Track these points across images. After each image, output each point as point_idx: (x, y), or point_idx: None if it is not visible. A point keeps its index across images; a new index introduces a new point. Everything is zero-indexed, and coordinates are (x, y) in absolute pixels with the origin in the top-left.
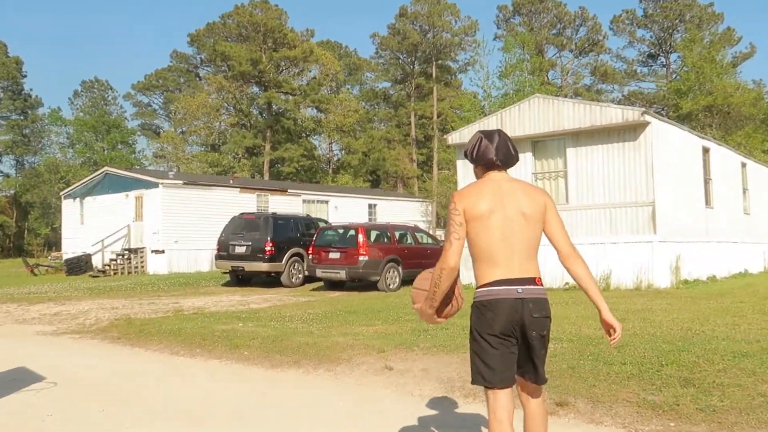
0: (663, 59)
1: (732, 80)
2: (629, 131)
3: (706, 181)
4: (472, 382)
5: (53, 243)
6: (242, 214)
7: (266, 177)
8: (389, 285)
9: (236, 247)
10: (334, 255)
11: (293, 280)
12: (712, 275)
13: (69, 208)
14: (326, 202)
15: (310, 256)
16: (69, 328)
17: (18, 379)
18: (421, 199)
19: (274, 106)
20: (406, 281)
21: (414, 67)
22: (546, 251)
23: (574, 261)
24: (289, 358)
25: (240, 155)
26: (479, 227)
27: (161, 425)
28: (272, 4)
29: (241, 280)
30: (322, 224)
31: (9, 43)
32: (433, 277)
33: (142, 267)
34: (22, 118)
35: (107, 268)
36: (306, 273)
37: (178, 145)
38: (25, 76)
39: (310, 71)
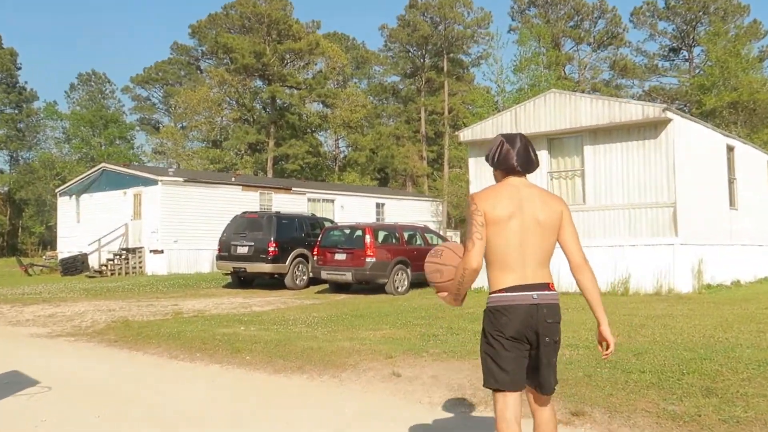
0: (686, 53)
1: (758, 75)
2: (650, 128)
3: (731, 181)
4: (485, 385)
5: (48, 242)
6: (244, 213)
7: (270, 174)
8: (397, 288)
9: (238, 248)
10: (340, 256)
11: (297, 282)
12: (737, 280)
13: (65, 206)
14: (332, 201)
15: (315, 257)
16: (64, 330)
17: (11, 383)
18: (431, 199)
19: (278, 101)
20: (415, 284)
21: (424, 61)
22: (559, 258)
23: (584, 272)
24: (293, 363)
25: (242, 152)
26: (496, 231)
27: None
28: None
29: (243, 281)
30: (327, 224)
31: (3, 34)
32: (456, 275)
33: (141, 267)
34: (16, 112)
35: (104, 268)
36: (311, 275)
37: (178, 140)
38: (20, 69)
39: (315, 64)
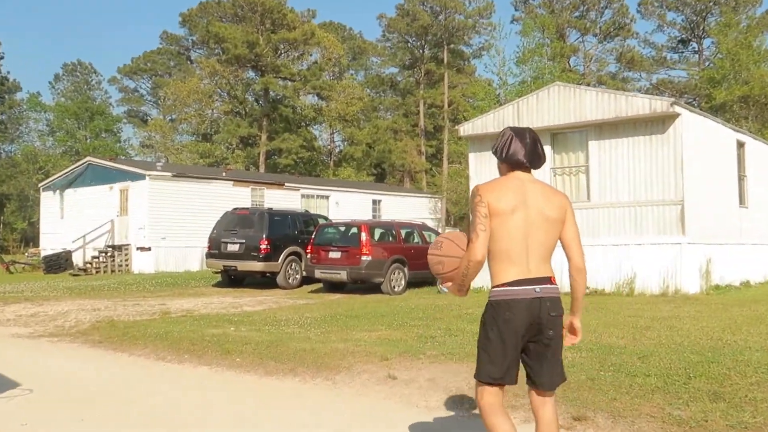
0: (695, 45)
1: None
2: (657, 123)
3: (741, 178)
4: (476, 376)
5: (31, 238)
6: (235, 209)
7: (262, 169)
8: (394, 287)
9: (229, 245)
10: (335, 254)
11: (290, 281)
12: (746, 280)
13: (48, 201)
14: (327, 197)
15: (309, 256)
16: (47, 330)
17: None
18: (429, 195)
19: (271, 93)
20: (413, 283)
21: (424, 52)
22: (562, 257)
23: (582, 276)
24: (285, 365)
25: (234, 145)
26: (500, 224)
27: None
28: None
29: (233, 280)
30: (321, 221)
31: None
32: (460, 266)
33: (127, 265)
34: None
35: (89, 266)
36: (304, 273)
37: (167, 134)
38: (2, 58)
39: (310, 55)
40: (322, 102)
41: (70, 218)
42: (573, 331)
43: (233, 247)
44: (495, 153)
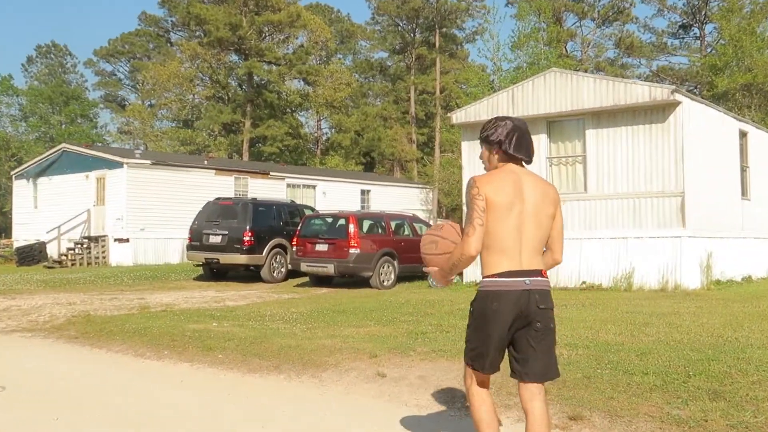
0: (697, 31)
1: None
2: (657, 112)
3: (743, 169)
4: (465, 359)
5: (2, 229)
6: (218, 199)
7: (246, 158)
8: (383, 282)
9: (210, 237)
10: (322, 247)
11: (275, 274)
12: (748, 275)
13: (21, 190)
14: (313, 186)
15: (295, 248)
16: (20, 325)
17: None
18: (420, 185)
19: (255, 78)
20: (402, 278)
21: (415, 36)
22: (565, 249)
23: (553, 267)
24: (269, 362)
25: (216, 132)
26: (497, 217)
27: None
28: None
29: (215, 273)
30: (308, 212)
31: None
32: (452, 256)
33: (104, 257)
34: None
35: (64, 258)
36: (289, 267)
37: (145, 119)
38: None
39: (296, 38)
40: (308, 87)
41: (44, 208)
42: None
43: (215, 239)
44: (496, 143)
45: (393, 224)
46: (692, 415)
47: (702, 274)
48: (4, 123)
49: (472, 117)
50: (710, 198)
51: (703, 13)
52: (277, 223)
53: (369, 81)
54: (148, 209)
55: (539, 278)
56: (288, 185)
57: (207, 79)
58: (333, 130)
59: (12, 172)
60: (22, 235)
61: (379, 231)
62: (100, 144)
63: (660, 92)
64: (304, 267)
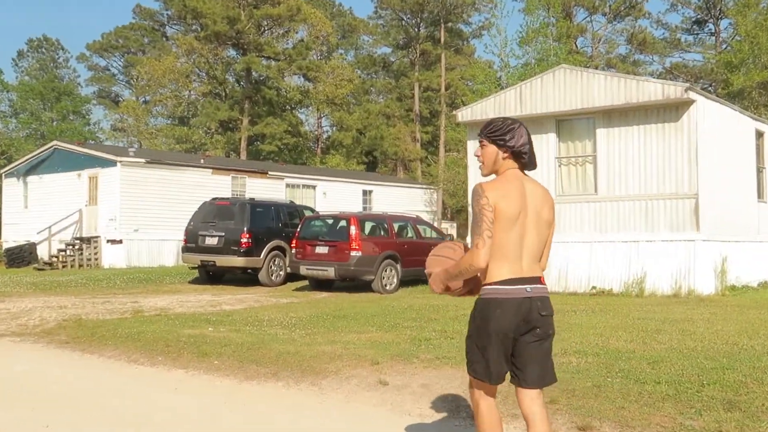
0: (712, 26)
1: None
2: (670, 110)
3: (759, 170)
4: (468, 371)
5: None
6: (214, 199)
7: (243, 156)
8: (385, 286)
9: (207, 238)
10: (322, 249)
11: (273, 277)
12: (764, 281)
13: (10, 189)
14: (313, 187)
15: (294, 251)
16: (9, 329)
17: None
18: (424, 186)
19: (253, 73)
20: (405, 282)
21: (419, 30)
22: (568, 255)
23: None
24: (267, 369)
25: (213, 130)
26: (503, 227)
27: None
28: None
29: (212, 276)
30: (308, 213)
31: None
32: (460, 266)
33: (96, 259)
34: None
35: (55, 259)
36: (288, 270)
37: (140, 116)
38: None
39: (296, 32)
40: (308, 84)
41: (35, 207)
42: None
43: (212, 241)
44: (511, 148)
45: (396, 226)
46: (706, 426)
47: (716, 280)
48: None
49: (479, 115)
50: (725, 200)
51: (718, 8)
52: (276, 225)
53: (371, 77)
54: (142, 209)
55: (539, 285)
56: (287, 185)
57: (204, 74)
58: (334, 128)
59: (1, 171)
60: (11, 236)
61: (382, 233)
62: (92, 141)
63: (673, 90)
64: (303, 270)
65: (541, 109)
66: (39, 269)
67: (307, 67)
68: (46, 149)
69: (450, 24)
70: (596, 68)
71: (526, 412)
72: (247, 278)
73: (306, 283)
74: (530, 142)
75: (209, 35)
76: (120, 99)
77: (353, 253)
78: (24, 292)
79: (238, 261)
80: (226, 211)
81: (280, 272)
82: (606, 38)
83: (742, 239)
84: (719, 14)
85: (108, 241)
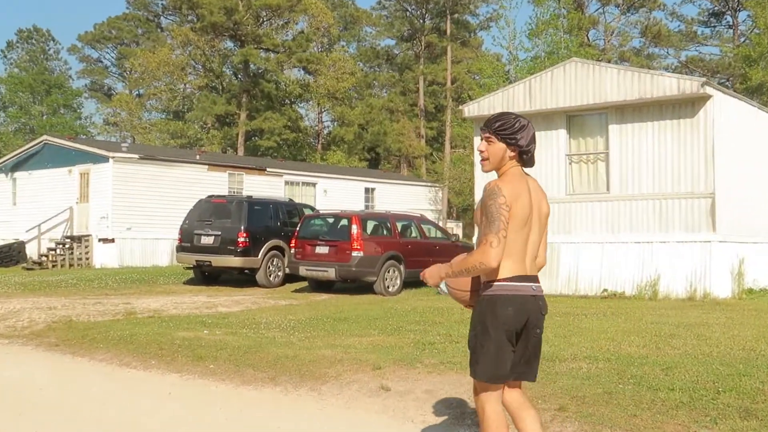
0: (729, 19)
1: None
2: (686, 106)
3: None
4: (478, 377)
5: None
6: (210, 197)
7: (241, 152)
8: (388, 287)
9: (202, 237)
10: (322, 249)
11: (271, 278)
12: None
13: None
14: (314, 184)
15: (293, 251)
16: None
17: None
18: (429, 184)
19: (251, 66)
20: (409, 283)
21: (424, 22)
22: (578, 256)
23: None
24: (264, 373)
25: (209, 125)
26: (515, 228)
27: None
28: None
29: (207, 277)
30: (307, 211)
31: None
32: (467, 263)
33: (87, 259)
34: None
35: (44, 259)
36: (287, 270)
37: (133, 110)
38: None
39: (296, 24)
40: (309, 77)
41: (24, 205)
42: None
43: (207, 240)
44: (519, 147)
45: (399, 225)
46: None
47: (733, 282)
48: None
49: (486, 110)
50: (743, 200)
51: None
52: (274, 224)
53: (374, 70)
54: (135, 207)
55: (539, 284)
56: (286, 182)
57: (200, 67)
58: (335, 124)
59: None
60: None
61: (384, 232)
62: (84, 136)
63: (689, 85)
64: (302, 271)
65: (551, 105)
66: (28, 269)
67: (307, 59)
68: (36, 144)
69: (456, 15)
70: (609, 62)
71: (521, 412)
72: (244, 279)
73: (305, 284)
74: (535, 142)
75: (205, 26)
76: (113, 92)
77: (355, 254)
78: (12, 292)
79: (234, 261)
80: (223, 210)
81: (279, 273)
82: (619, 30)
83: (761, 240)
84: (737, 6)
85: (100, 239)
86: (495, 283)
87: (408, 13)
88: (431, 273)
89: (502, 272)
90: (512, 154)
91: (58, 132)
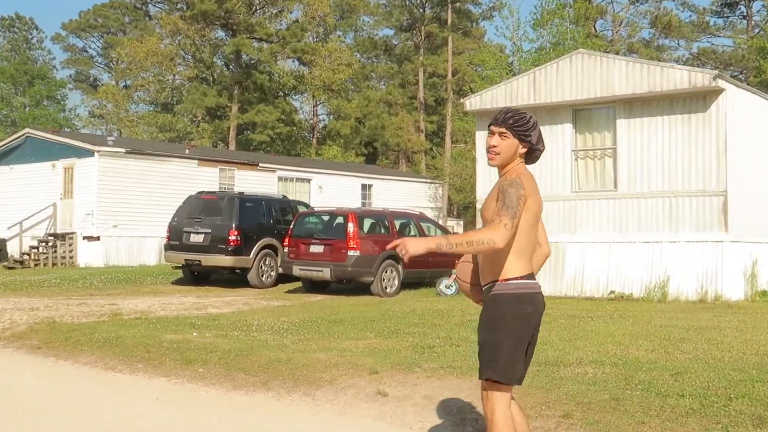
0: (743, 9)
1: None
2: (697, 100)
3: None
4: (496, 376)
5: None
6: (200, 193)
7: (232, 147)
8: (386, 288)
9: (192, 236)
10: (317, 248)
11: (264, 278)
12: None
13: None
14: (308, 180)
15: (286, 250)
16: None
17: None
18: (429, 180)
19: (244, 57)
20: (407, 284)
21: (424, 11)
22: (584, 256)
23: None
24: (256, 377)
25: (199, 118)
26: (527, 220)
27: None
28: None
29: (197, 277)
30: (302, 209)
31: None
32: (475, 234)
33: (71, 257)
34: None
35: (26, 257)
36: (280, 270)
37: (120, 102)
38: None
39: (291, 12)
40: (303, 68)
41: (5, 201)
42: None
43: (197, 238)
44: (531, 144)
45: (397, 223)
46: None
47: (746, 284)
48: None
49: (489, 104)
50: (756, 198)
51: None
52: (267, 221)
53: (372, 61)
54: (121, 203)
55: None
56: (279, 178)
57: (189, 57)
58: (331, 117)
59: None
60: None
61: (382, 231)
62: (68, 129)
63: (701, 78)
64: (296, 271)
65: (557, 98)
66: (9, 267)
67: (302, 50)
68: (18, 137)
69: (458, 4)
70: (617, 53)
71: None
72: (236, 279)
73: (299, 284)
74: (543, 139)
75: (196, 14)
76: (98, 83)
77: (351, 253)
78: None
79: (225, 260)
80: (213, 206)
81: (272, 273)
82: (628, 21)
83: None
84: None
85: (84, 237)
86: (510, 281)
87: (407, 2)
88: (414, 243)
89: (519, 270)
90: (523, 150)
91: (41, 125)
